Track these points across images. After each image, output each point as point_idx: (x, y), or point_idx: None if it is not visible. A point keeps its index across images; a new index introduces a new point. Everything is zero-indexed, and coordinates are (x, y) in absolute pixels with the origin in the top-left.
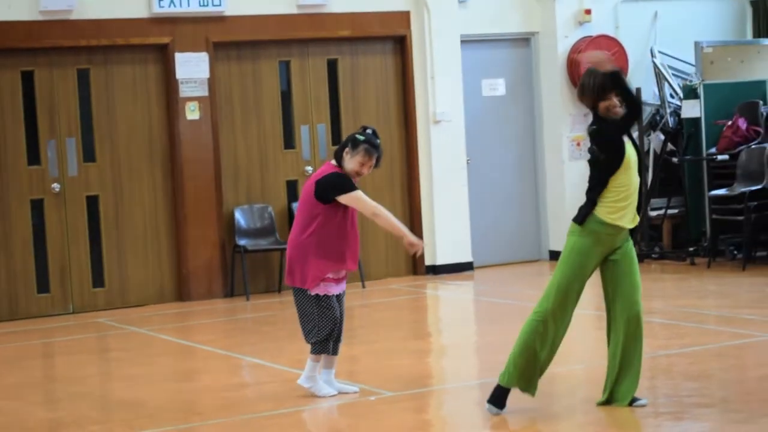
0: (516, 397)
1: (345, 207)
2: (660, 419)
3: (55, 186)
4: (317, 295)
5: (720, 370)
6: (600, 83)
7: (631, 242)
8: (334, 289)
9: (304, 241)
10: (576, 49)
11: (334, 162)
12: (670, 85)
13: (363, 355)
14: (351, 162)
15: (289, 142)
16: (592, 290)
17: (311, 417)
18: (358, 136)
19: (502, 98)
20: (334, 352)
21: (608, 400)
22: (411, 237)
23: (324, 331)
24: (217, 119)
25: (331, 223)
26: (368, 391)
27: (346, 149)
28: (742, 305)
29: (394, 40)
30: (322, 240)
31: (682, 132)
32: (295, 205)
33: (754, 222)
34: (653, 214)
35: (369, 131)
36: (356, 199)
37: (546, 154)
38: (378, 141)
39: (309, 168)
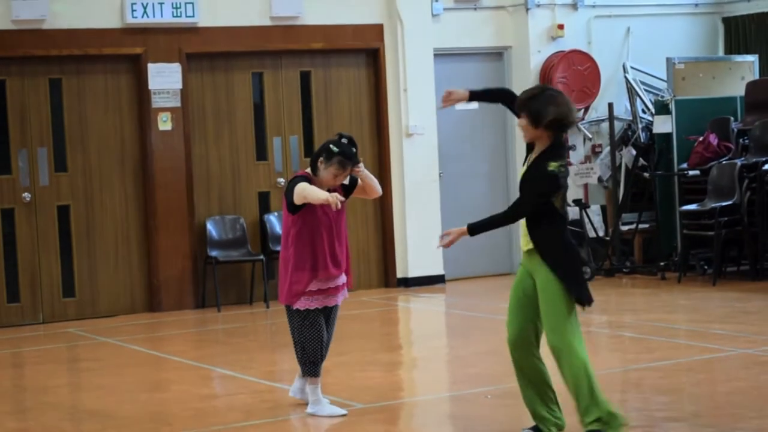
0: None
1: (319, 214)
2: None
3: (26, 195)
4: (297, 310)
5: (690, 385)
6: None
7: (544, 276)
8: (315, 303)
9: (285, 257)
10: (549, 63)
11: (308, 170)
12: (642, 101)
13: (334, 367)
14: (325, 172)
15: (262, 153)
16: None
17: (281, 428)
18: (332, 147)
19: (475, 112)
20: None
21: None
22: (330, 197)
23: (312, 352)
24: (189, 130)
25: (305, 231)
26: (339, 403)
27: (321, 159)
28: (712, 320)
29: (368, 52)
30: (299, 251)
31: (654, 147)
32: (266, 217)
33: (724, 237)
34: (624, 228)
35: (344, 140)
36: (298, 193)
37: (518, 167)
38: (354, 150)
39: (281, 180)
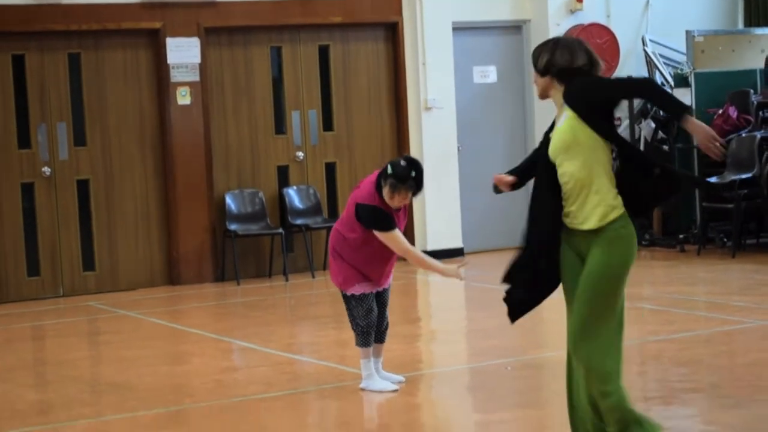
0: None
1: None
2: (649, 403)
3: (46, 170)
4: (349, 294)
5: (709, 356)
6: None
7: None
8: (367, 288)
9: (345, 243)
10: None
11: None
12: (662, 74)
13: (353, 340)
14: (383, 190)
15: (280, 127)
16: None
17: (301, 399)
18: (388, 167)
19: (494, 85)
20: (378, 339)
21: None
22: (448, 271)
23: (364, 326)
24: (208, 104)
25: (367, 244)
26: (358, 374)
27: (382, 177)
28: (731, 292)
29: (386, 26)
30: (355, 255)
31: (673, 120)
32: (285, 191)
33: (744, 210)
34: None
35: (403, 163)
36: (390, 239)
37: (537, 141)
38: (413, 173)
39: (300, 153)
